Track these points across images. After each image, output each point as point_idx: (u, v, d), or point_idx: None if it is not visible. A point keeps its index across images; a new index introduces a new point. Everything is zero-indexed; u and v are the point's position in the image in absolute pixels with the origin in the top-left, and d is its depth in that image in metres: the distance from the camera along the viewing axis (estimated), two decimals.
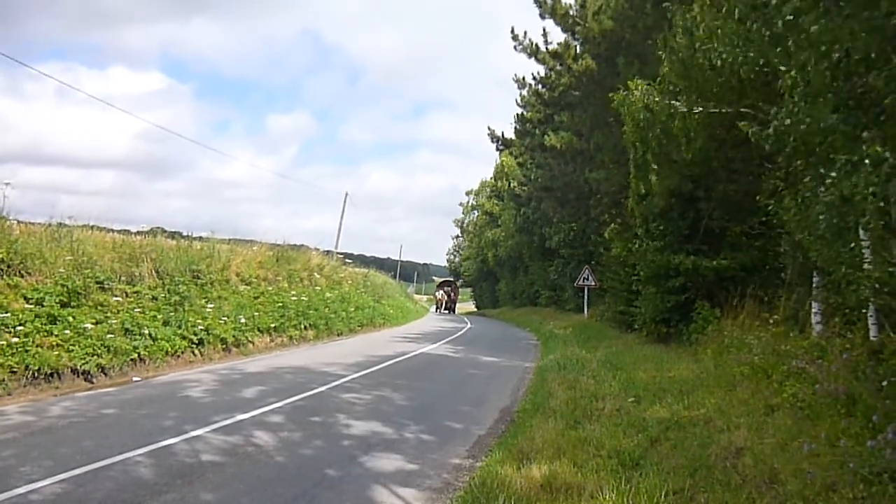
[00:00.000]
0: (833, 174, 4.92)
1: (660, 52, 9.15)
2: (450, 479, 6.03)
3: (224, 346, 13.62)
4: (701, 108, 8.36)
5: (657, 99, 8.94)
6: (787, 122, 5.20)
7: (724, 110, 8.18)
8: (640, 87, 9.30)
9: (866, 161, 4.43)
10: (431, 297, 65.54)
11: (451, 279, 67.10)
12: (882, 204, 4.53)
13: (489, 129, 27.55)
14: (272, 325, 15.99)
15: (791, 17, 4.90)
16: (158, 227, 17.32)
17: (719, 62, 6.99)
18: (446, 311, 53.50)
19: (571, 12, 16.55)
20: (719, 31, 6.94)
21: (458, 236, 74.23)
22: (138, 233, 15.96)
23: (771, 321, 9.91)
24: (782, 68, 5.44)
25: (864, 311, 7.11)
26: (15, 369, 8.86)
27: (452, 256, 75.92)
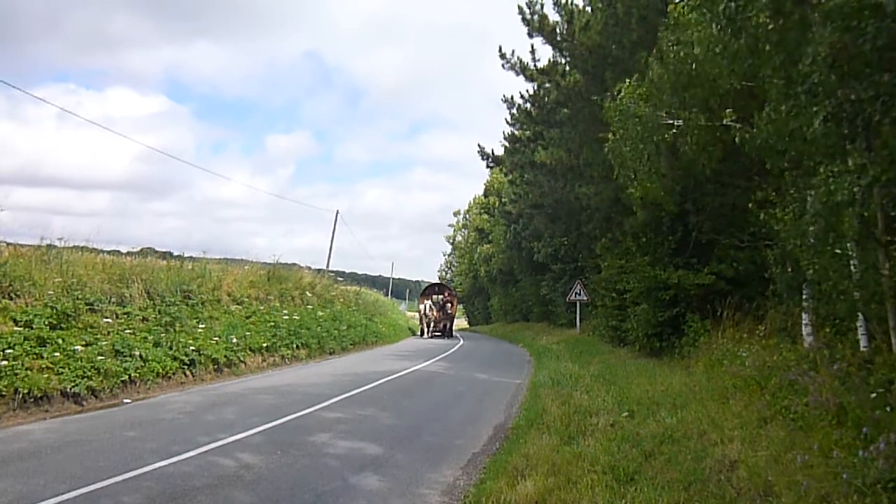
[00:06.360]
0: (819, 183, 5.00)
1: (648, 64, 9.24)
2: (445, 498, 5.99)
3: (216, 366, 13.52)
4: (687, 120, 8.45)
5: (643, 106, 9.00)
6: (771, 128, 5.28)
7: (710, 123, 8.28)
8: (628, 92, 9.35)
9: (849, 170, 4.49)
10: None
11: (444, 283, 50.41)
12: (865, 213, 4.58)
13: (479, 146, 27.67)
14: (264, 345, 15.89)
15: (773, 29, 5.01)
16: (149, 248, 17.31)
17: (705, 72, 7.11)
18: (437, 333, 36.57)
19: (559, 29, 16.72)
20: (707, 44, 7.05)
21: (449, 253, 74.22)
22: (129, 253, 15.92)
23: (762, 333, 9.96)
24: (766, 74, 5.55)
25: (853, 321, 7.16)
26: (3, 393, 8.75)
27: (444, 273, 75.82)
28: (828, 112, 4.74)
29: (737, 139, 6.47)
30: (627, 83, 9.48)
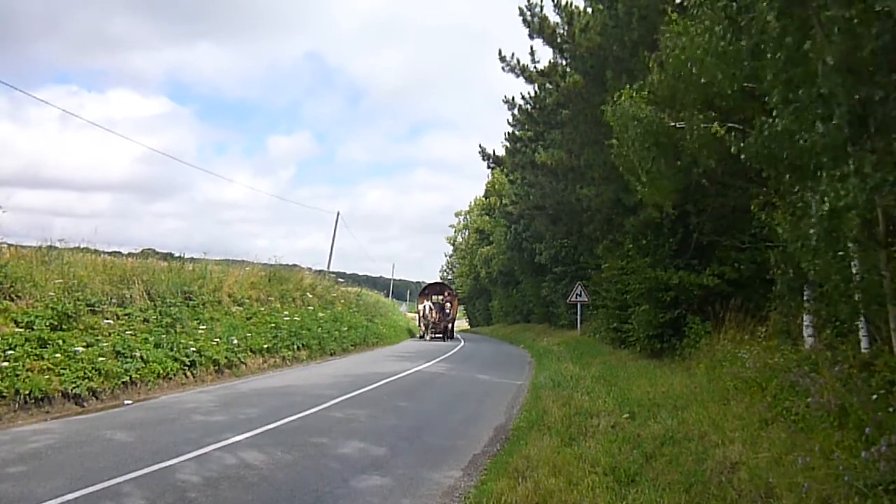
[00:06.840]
0: (822, 187, 4.98)
1: (649, 65, 9.23)
2: (446, 499, 5.99)
3: (216, 367, 13.52)
4: (689, 122, 8.45)
5: (645, 109, 8.99)
6: (770, 133, 5.26)
7: (711, 126, 8.27)
8: (628, 96, 9.34)
9: (853, 173, 4.48)
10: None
11: (444, 283, 49.93)
12: (868, 215, 4.57)
13: (480, 147, 27.64)
14: (265, 346, 15.90)
15: (776, 33, 5.00)
16: (150, 249, 17.33)
17: (706, 77, 7.10)
18: (439, 336, 34.78)
19: (559, 31, 16.72)
20: (706, 46, 7.04)
21: (450, 254, 74.26)
22: (129, 255, 15.93)
23: (763, 335, 9.94)
24: (767, 77, 5.54)
25: (855, 323, 7.15)
26: (4, 394, 8.76)
27: (445, 274, 75.84)
28: (841, 116, 4.72)
29: (732, 149, 6.46)
30: (628, 87, 9.48)
